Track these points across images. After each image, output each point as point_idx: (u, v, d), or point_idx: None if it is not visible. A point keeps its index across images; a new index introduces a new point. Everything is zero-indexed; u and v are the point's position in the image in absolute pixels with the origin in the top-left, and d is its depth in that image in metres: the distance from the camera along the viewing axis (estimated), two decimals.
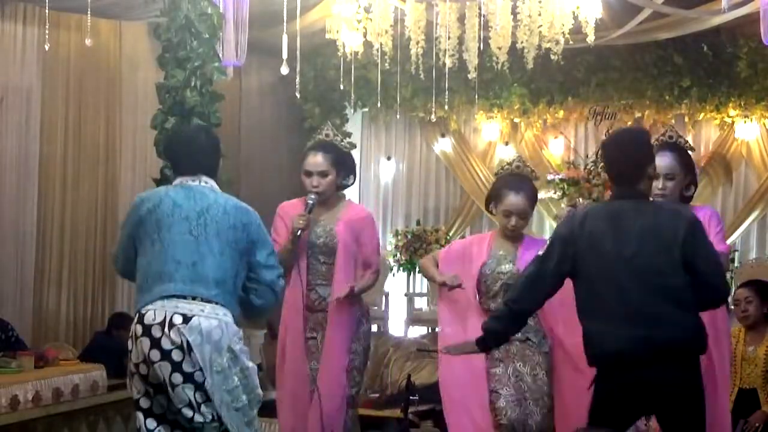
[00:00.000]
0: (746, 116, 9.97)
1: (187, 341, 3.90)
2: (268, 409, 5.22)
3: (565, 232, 4.02)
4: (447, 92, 8.56)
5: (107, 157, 8.63)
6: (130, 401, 4.21)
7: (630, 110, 10.23)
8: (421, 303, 10.77)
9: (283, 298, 4.72)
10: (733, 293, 6.87)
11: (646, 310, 3.80)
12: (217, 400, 3.95)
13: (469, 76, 8.15)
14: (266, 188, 9.08)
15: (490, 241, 4.95)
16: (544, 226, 10.53)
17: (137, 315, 4.01)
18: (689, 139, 9.57)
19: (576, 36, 7.89)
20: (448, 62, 7.97)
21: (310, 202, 4.96)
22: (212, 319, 3.96)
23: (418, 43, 7.99)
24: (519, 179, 4.89)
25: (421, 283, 10.92)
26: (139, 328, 3.97)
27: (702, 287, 3.87)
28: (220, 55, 6.63)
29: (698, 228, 3.95)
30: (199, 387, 3.93)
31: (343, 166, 5.09)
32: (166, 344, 3.91)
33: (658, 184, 4.64)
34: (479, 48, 7.90)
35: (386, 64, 8.29)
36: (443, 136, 11.09)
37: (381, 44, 8.01)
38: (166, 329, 3.92)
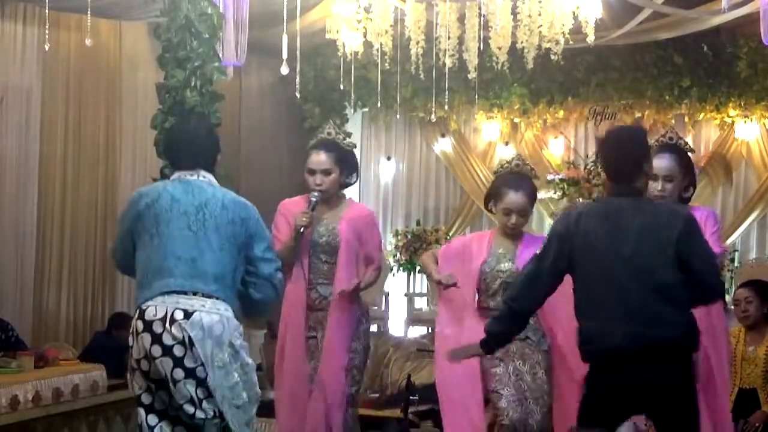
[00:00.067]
0: (746, 116, 9.98)
1: (189, 336, 3.90)
2: (266, 409, 5.23)
3: (561, 230, 4.02)
4: (447, 92, 8.56)
5: (107, 157, 8.63)
6: (130, 401, 4.20)
7: (630, 110, 10.24)
8: (421, 303, 10.78)
9: (283, 294, 4.72)
10: (733, 293, 6.87)
11: (643, 308, 3.80)
12: (219, 396, 3.95)
13: (469, 76, 8.15)
14: (266, 188, 9.07)
15: (490, 239, 4.95)
16: (544, 226, 10.52)
17: (138, 311, 4.01)
18: (689, 139, 9.60)
19: (576, 36, 7.89)
20: (448, 62, 7.97)
21: (314, 199, 4.96)
22: (213, 314, 3.96)
23: (418, 43, 7.99)
24: (518, 177, 4.89)
25: (421, 283, 10.92)
26: (140, 324, 3.96)
27: (697, 285, 3.87)
28: (220, 55, 6.63)
29: (694, 226, 3.96)
30: (201, 383, 3.92)
31: (346, 164, 5.10)
32: (167, 340, 3.91)
33: (657, 186, 4.64)
34: (479, 48, 7.90)
35: (386, 64, 8.30)
36: (443, 136, 11.10)
37: (381, 44, 8.01)
38: (168, 325, 3.91)
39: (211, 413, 3.96)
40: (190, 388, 3.92)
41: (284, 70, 6.92)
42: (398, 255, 10.71)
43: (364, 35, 8.17)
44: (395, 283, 10.75)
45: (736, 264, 9.99)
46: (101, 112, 8.59)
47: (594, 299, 3.89)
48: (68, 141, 8.32)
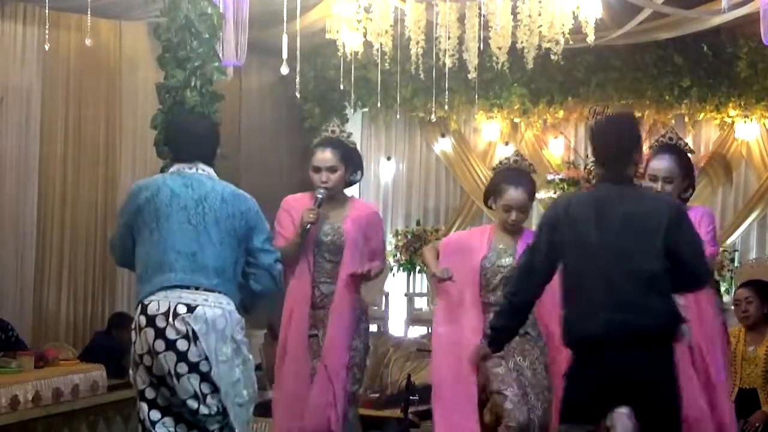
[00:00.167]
0: (746, 116, 9.98)
1: (193, 330, 3.90)
2: (266, 409, 5.23)
3: (550, 218, 4.05)
4: (447, 92, 8.55)
5: (107, 157, 8.63)
6: (130, 401, 4.20)
7: (630, 110, 10.23)
8: (421, 303, 10.78)
9: (283, 286, 4.68)
10: (733, 293, 6.87)
11: (626, 296, 3.81)
12: (223, 391, 3.95)
13: (469, 76, 8.15)
14: (266, 188, 9.04)
15: (490, 234, 4.95)
16: None
17: (140, 306, 4.00)
18: (689, 139, 9.61)
19: (576, 36, 7.89)
20: (448, 62, 7.97)
21: (320, 196, 4.95)
22: (216, 308, 3.97)
23: (418, 43, 7.99)
24: (517, 173, 4.89)
25: (421, 283, 10.93)
26: (142, 319, 3.96)
27: (684, 274, 3.88)
28: (220, 55, 6.62)
29: (683, 215, 3.96)
30: (205, 377, 3.92)
31: (351, 161, 5.11)
32: (170, 334, 3.91)
33: (656, 187, 4.64)
34: (479, 48, 7.90)
35: (386, 64, 8.30)
36: (443, 136, 11.09)
37: (381, 44, 8.01)
38: (171, 319, 3.91)
39: (215, 409, 3.96)
40: (194, 382, 3.91)
41: (284, 70, 6.91)
42: (398, 255, 10.72)
43: (364, 35, 8.16)
44: (395, 283, 10.75)
45: (736, 264, 10.00)
46: (101, 112, 8.59)
47: (577, 286, 3.91)
48: (68, 141, 8.32)
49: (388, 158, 11.40)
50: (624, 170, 3.97)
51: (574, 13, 7.56)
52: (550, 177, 10.18)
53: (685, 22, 8.86)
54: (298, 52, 7.03)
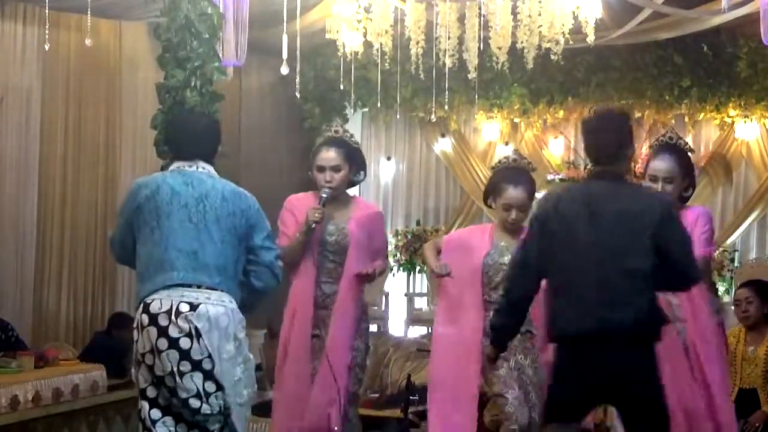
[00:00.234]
0: (746, 116, 9.99)
1: (195, 328, 3.90)
2: (266, 409, 5.22)
3: (541, 213, 4.06)
4: (447, 92, 8.55)
5: (107, 157, 8.63)
6: (130, 401, 4.21)
7: (630, 110, 10.22)
8: (421, 303, 10.78)
9: (283, 284, 4.68)
10: (733, 293, 6.87)
11: (610, 292, 3.81)
12: (227, 389, 3.95)
13: (469, 76, 8.14)
14: (266, 188, 9.04)
15: (491, 232, 4.95)
16: None
17: (142, 305, 4.00)
18: (689, 139, 9.60)
19: (576, 36, 7.89)
20: (448, 62, 7.97)
21: (324, 195, 4.95)
22: (219, 306, 3.97)
23: (418, 43, 7.98)
24: (516, 172, 4.88)
25: (421, 283, 10.93)
26: (145, 318, 3.96)
27: (672, 272, 3.88)
28: (220, 55, 6.62)
29: (672, 214, 3.96)
30: (208, 375, 3.92)
31: (355, 161, 5.10)
32: (173, 332, 3.91)
33: (657, 187, 4.63)
34: (479, 48, 7.90)
35: (386, 64, 8.30)
36: (443, 136, 11.10)
37: (381, 44, 8.01)
38: (173, 317, 3.91)
39: (217, 408, 3.95)
40: (197, 381, 3.91)
41: (284, 70, 6.91)
42: (398, 255, 10.72)
43: (364, 35, 8.16)
44: (395, 283, 10.76)
45: (736, 264, 10.00)
46: (101, 112, 8.58)
47: (566, 282, 3.91)
48: (68, 141, 8.32)
49: (388, 158, 11.40)
50: (616, 166, 3.97)
51: (574, 13, 7.56)
52: (550, 177, 10.17)
53: (685, 22, 8.86)
54: (298, 52, 7.03)
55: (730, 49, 9.72)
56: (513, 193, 4.81)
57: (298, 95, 8.19)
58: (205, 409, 3.93)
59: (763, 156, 10.12)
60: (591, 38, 7.64)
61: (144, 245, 4.06)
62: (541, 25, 7.59)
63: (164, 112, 6.25)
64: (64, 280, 8.30)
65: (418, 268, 10.73)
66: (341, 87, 8.73)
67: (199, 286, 3.97)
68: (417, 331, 9.98)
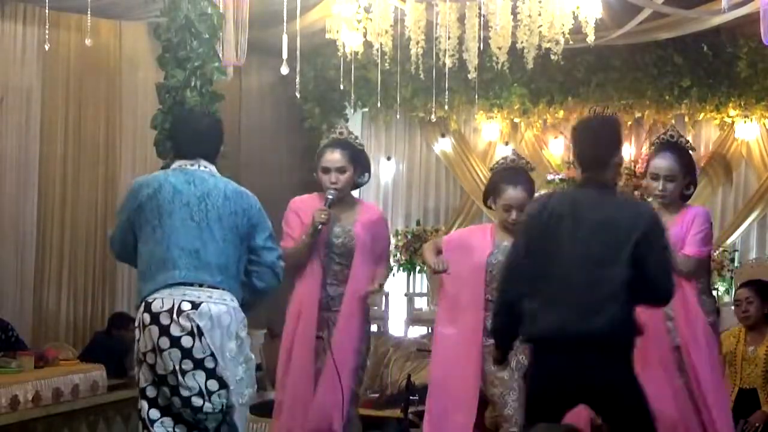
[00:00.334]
0: (746, 116, 9.99)
1: (197, 326, 3.90)
2: (267, 409, 5.22)
3: (531, 215, 4.08)
4: (447, 92, 8.55)
5: (107, 157, 8.64)
6: (130, 401, 4.21)
7: (630, 110, 10.23)
8: (421, 303, 10.78)
9: (284, 283, 4.67)
10: (733, 293, 6.87)
11: (583, 299, 3.81)
12: (232, 387, 3.95)
13: (469, 76, 8.14)
14: (266, 188, 9.03)
15: (492, 232, 4.94)
16: None
17: (143, 303, 3.99)
18: (689, 139, 9.58)
19: (576, 36, 7.89)
20: (448, 62, 7.96)
21: (330, 197, 4.93)
22: (221, 305, 3.97)
23: (418, 43, 7.98)
24: (515, 172, 4.88)
25: (421, 283, 10.93)
26: (146, 317, 3.95)
27: (646, 286, 3.86)
28: (220, 55, 6.63)
29: (656, 227, 3.94)
30: (211, 374, 3.92)
31: (360, 162, 5.08)
32: (175, 331, 3.91)
33: (658, 186, 4.63)
34: (479, 48, 7.90)
35: (386, 64, 8.29)
36: (443, 136, 11.10)
37: (381, 44, 8.00)
38: (175, 316, 3.91)
39: (219, 407, 3.95)
40: (199, 379, 3.91)
41: (284, 70, 6.91)
42: (398, 255, 10.71)
43: (364, 35, 8.16)
44: (395, 283, 10.74)
45: (736, 264, 10.00)
46: (101, 112, 8.59)
47: (541, 283, 3.91)
48: (68, 141, 8.32)
49: (388, 158, 11.40)
50: (602, 175, 3.97)
51: (574, 13, 7.56)
52: (549, 177, 10.17)
53: (685, 22, 8.86)
54: (298, 52, 7.02)
55: (730, 49, 9.72)
56: (513, 193, 4.81)
57: (298, 95, 8.19)
58: (208, 407, 3.93)
59: (763, 156, 10.13)
60: (591, 38, 7.64)
61: (146, 244, 4.06)
62: (541, 25, 7.58)
63: (164, 112, 6.26)
64: (64, 280, 8.30)
65: (418, 268, 10.73)
66: (341, 87, 8.73)
67: (200, 285, 3.97)
68: (417, 331, 9.98)
